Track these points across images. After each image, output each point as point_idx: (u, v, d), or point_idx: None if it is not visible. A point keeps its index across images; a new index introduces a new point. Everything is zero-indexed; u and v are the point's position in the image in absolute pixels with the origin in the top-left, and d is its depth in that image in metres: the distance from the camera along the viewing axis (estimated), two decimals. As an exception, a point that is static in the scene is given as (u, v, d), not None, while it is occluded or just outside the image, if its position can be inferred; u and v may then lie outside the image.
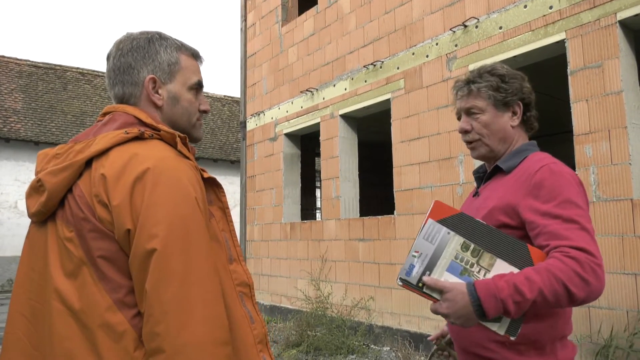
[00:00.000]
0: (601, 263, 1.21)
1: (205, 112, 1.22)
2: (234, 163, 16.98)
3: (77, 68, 17.26)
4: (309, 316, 6.03)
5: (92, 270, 0.96)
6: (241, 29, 9.58)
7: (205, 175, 1.07)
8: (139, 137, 1.03)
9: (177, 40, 1.19)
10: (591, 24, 4.21)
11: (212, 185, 1.09)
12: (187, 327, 0.90)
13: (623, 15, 4.02)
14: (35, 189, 1.04)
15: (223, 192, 1.12)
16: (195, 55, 1.21)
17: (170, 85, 1.15)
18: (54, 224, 1.03)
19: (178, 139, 1.06)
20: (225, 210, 1.11)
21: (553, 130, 8.30)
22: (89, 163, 1.01)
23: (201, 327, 0.91)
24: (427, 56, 5.67)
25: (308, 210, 9.39)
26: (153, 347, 0.90)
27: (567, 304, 1.20)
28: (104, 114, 1.14)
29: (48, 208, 1.03)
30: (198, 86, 1.19)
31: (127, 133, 1.02)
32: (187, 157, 1.06)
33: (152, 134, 1.05)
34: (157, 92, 1.14)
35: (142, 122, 1.08)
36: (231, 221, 1.13)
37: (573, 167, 4.25)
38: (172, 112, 1.16)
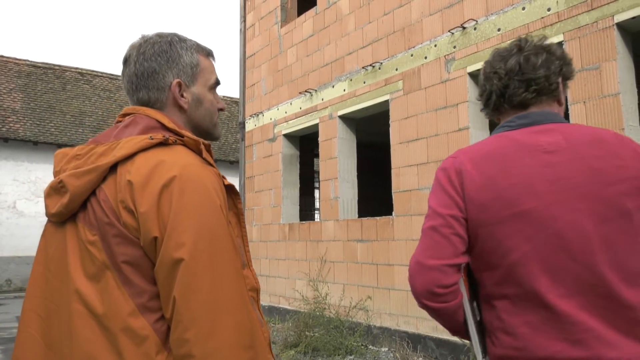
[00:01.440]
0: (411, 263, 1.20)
1: (222, 110, 1.23)
2: (232, 164, 17.00)
3: (76, 68, 17.27)
4: (307, 317, 6.04)
5: (116, 274, 0.97)
6: (240, 30, 9.60)
7: (226, 182, 1.08)
8: (163, 143, 1.03)
9: (194, 41, 1.20)
10: (589, 26, 4.24)
11: (230, 192, 1.10)
12: (215, 333, 0.92)
13: (621, 17, 4.04)
14: (57, 189, 1.04)
15: (239, 198, 1.13)
16: (210, 55, 1.22)
17: (194, 87, 1.15)
18: (75, 225, 1.03)
19: (202, 147, 1.07)
20: (240, 216, 1.13)
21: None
22: (113, 167, 1.02)
23: (229, 333, 0.93)
24: (426, 57, 5.69)
25: (307, 211, 9.41)
26: (182, 353, 0.92)
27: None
28: (124, 115, 1.14)
29: (70, 210, 1.03)
30: (217, 85, 1.21)
31: (152, 139, 1.02)
32: (211, 164, 1.07)
33: (176, 139, 1.05)
34: (182, 96, 1.14)
35: (164, 127, 1.08)
36: (244, 227, 1.14)
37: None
38: (196, 114, 1.16)
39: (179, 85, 1.13)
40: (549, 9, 4.53)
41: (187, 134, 1.08)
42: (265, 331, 1.09)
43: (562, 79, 1.28)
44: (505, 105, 1.29)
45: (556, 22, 4.47)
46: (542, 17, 4.58)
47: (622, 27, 4.09)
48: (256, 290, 1.12)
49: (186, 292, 0.92)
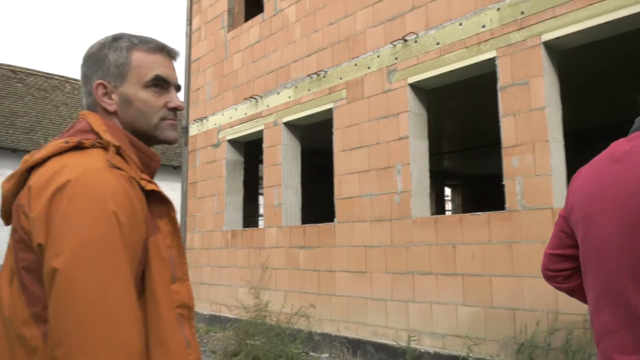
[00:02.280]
0: None
1: (175, 109, 1.14)
2: (176, 169, 16.59)
3: (9, 65, 16.33)
4: (248, 325, 5.97)
5: (18, 280, 0.95)
6: (186, 33, 9.44)
7: (149, 187, 1.00)
8: (78, 147, 0.99)
9: (136, 38, 1.13)
10: (519, 43, 4.49)
11: (156, 199, 1.03)
12: (87, 352, 0.84)
13: (547, 37, 4.31)
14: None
15: (171, 205, 1.06)
16: (158, 49, 1.13)
17: (122, 87, 1.09)
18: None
19: (111, 148, 1.00)
20: (174, 225, 1.05)
21: (487, 142, 8.72)
22: (32, 171, 0.99)
23: (104, 354, 0.84)
24: (369, 68, 5.83)
25: (251, 217, 9.32)
26: None
27: None
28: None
29: (4, 213, 1.04)
30: (158, 81, 1.11)
31: (67, 142, 0.99)
32: (121, 168, 1.00)
33: (94, 142, 1.00)
34: (109, 98, 1.09)
35: (93, 130, 1.05)
36: (179, 237, 1.07)
37: (501, 178, 4.50)
38: (127, 115, 1.10)
39: (101, 86, 1.09)
40: (483, 26, 4.77)
41: (106, 136, 1.03)
42: (192, 354, 1.01)
43: None
44: None
45: (490, 39, 4.71)
46: (477, 34, 4.81)
47: (548, 45, 4.37)
48: (188, 308, 1.04)
49: (59, 304, 0.86)
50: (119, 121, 1.10)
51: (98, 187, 0.92)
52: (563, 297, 3.99)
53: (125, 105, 1.09)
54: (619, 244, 1.11)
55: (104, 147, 1.01)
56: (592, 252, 1.18)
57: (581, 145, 8.77)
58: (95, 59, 1.10)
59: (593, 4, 4.04)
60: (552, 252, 1.42)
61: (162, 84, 1.12)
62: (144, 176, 1.03)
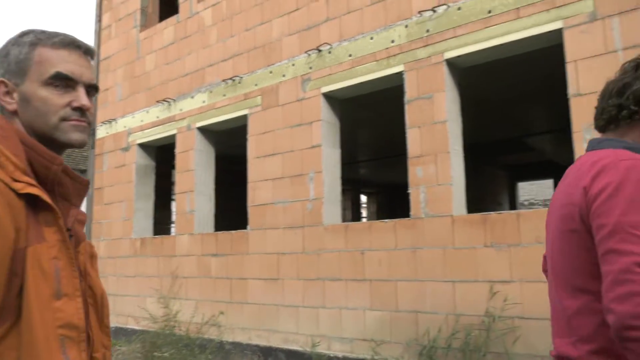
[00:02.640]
0: None
1: (79, 109, 1.02)
2: (83, 172, 15.62)
3: None
4: (156, 336, 5.74)
5: None
6: (95, 30, 8.96)
7: (24, 190, 0.90)
8: None
9: (44, 33, 1.04)
10: (424, 60, 4.75)
11: (39, 205, 0.93)
12: None
13: (449, 55, 4.60)
14: None
15: (57, 212, 0.95)
16: (64, 44, 1.04)
17: (23, 85, 1.01)
18: None
19: None
20: (62, 234, 0.94)
21: (399, 152, 9.09)
22: None
23: None
24: (284, 76, 5.87)
25: (163, 224, 8.99)
26: None
27: None
28: None
29: None
30: (58, 78, 1.01)
31: None
32: None
33: None
34: (10, 97, 1.01)
35: None
36: (70, 248, 0.96)
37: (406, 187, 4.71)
38: (26, 115, 1.00)
39: (2, 85, 1.01)
40: (392, 41, 4.98)
41: None
42: None
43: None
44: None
45: (398, 53, 4.94)
46: (387, 48, 5.02)
47: (450, 63, 4.66)
48: (76, 328, 0.93)
49: None
50: (20, 122, 1.01)
51: None
52: (462, 300, 4.24)
53: (24, 105, 1.01)
54: (554, 252, 1.31)
55: None
56: (548, 255, 1.38)
57: (480, 157, 9.42)
58: (0, 57, 1.03)
59: (489, 27, 4.37)
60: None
61: (66, 81, 1.02)
62: (24, 178, 0.92)
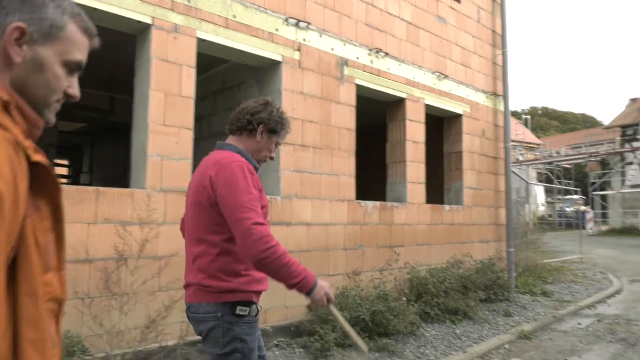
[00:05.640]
0: None
1: (71, 97, 1.00)
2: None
3: None
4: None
5: None
6: None
7: (35, 158, 0.84)
8: None
9: (80, 12, 0.99)
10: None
11: (44, 173, 0.86)
12: None
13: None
14: None
15: (57, 183, 0.89)
16: (89, 33, 1.00)
17: (42, 49, 0.92)
18: None
19: None
20: (56, 206, 0.90)
21: None
22: None
23: None
24: (270, 81, 6.10)
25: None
26: None
27: None
28: None
29: None
30: (76, 66, 0.99)
31: None
32: (6, 128, 0.82)
33: None
34: (19, 48, 0.90)
35: None
36: (61, 220, 0.92)
37: None
38: (29, 78, 0.92)
39: (21, 32, 0.89)
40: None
41: None
42: (57, 354, 0.90)
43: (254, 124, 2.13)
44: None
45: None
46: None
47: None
48: (58, 302, 0.91)
49: None
50: (13, 77, 0.91)
51: None
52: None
53: (35, 68, 0.92)
54: (189, 216, 2.06)
55: None
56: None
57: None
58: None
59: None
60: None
61: (76, 70, 1.00)
62: (27, 143, 0.85)
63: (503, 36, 8.99)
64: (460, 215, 7.74)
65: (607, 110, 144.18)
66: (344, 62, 6.06)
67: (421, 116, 7.15)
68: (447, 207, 7.55)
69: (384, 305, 5.07)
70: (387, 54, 6.57)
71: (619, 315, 6.84)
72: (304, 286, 1.84)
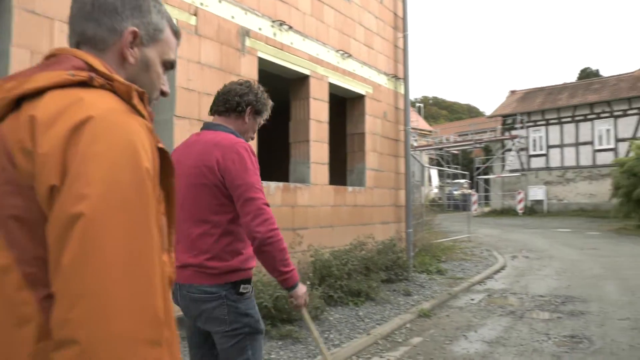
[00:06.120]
0: None
1: (165, 94, 1.08)
2: None
3: None
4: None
5: (2, 233, 0.79)
6: None
7: (160, 145, 0.88)
8: (86, 84, 0.85)
9: (169, 13, 1.09)
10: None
11: (166, 159, 0.89)
12: (110, 316, 0.71)
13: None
14: None
15: (173, 169, 0.92)
16: (177, 35, 1.10)
17: (147, 49, 1.01)
18: None
19: (134, 92, 0.88)
20: (170, 190, 0.93)
21: None
22: (19, 105, 0.83)
23: (129, 319, 0.73)
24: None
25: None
26: (63, 337, 0.71)
27: None
28: (47, 58, 0.93)
29: None
30: (170, 65, 1.07)
31: (73, 75, 0.84)
32: (143, 116, 0.88)
33: (105, 83, 0.86)
34: (132, 48, 0.98)
35: (93, 69, 0.89)
36: (174, 204, 0.95)
37: None
38: (139, 76, 1.00)
39: (134, 35, 0.97)
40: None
41: (119, 78, 0.89)
42: (175, 332, 0.88)
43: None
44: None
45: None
46: (270, 23, 4.88)
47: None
48: (171, 281, 0.92)
49: (79, 257, 0.72)
50: (125, 75, 0.97)
51: (126, 130, 0.80)
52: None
53: (143, 68, 1.01)
54: (186, 198, 1.97)
55: (115, 91, 0.87)
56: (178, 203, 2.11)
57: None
58: (135, 3, 0.99)
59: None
60: None
61: (170, 68, 1.09)
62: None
63: (404, 19, 9.09)
64: (363, 196, 7.73)
65: (489, 101, 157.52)
66: (246, 33, 5.64)
67: (325, 95, 6.97)
68: (350, 188, 7.49)
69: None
70: (290, 27, 6.26)
71: (505, 290, 7.28)
72: (291, 277, 1.95)
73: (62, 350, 0.71)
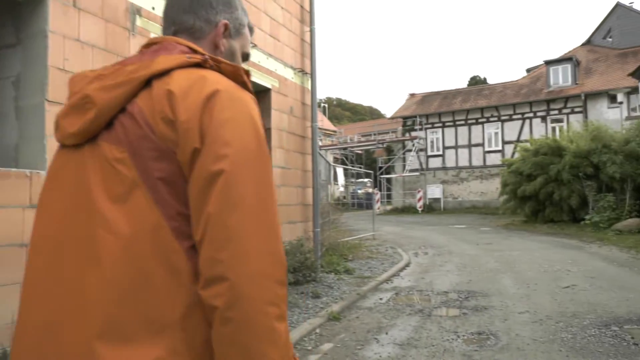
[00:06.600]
0: None
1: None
2: None
3: None
4: None
5: (148, 192, 0.88)
6: None
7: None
8: (199, 64, 0.96)
9: (246, 11, 1.20)
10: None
11: None
12: (253, 257, 0.84)
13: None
14: (79, 106, 0.96)
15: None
16: (251, 29, 1.21)
17: (233, 41, 1.14)
18: (95, 146, 0.94)
19: (242, 71, 1.01)
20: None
21: None
22: (147, 83, 0.94)
23: (267, 261, 0.85)
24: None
25: None
26: (214, 275, 0.83)
27: None
28: (148, 46, 1.05)
29: (96, 126, 0.94)
30: (247, 57, 1.20)
31: (190, 58, 0.96)
32: (250, 91, 1.00)
33: (213, 64, 0.98)
34: (224, 38, 1.12)
35: (198, 54, 1.01)
36: None
37: None
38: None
39: (225, 27, 1.11)
40: None
41: (225, 60, 1.01)
42: None
43: None
44: None
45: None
46: None
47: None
48: None
49: (224, 206, 0.84)
50: None
51: (245, 102, 0.94)
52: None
53: (229, 57, 1.13)
54: None
55: (221, 71, 0.98)
56: None
57: None
58: (226, 2, 1.13)
59: None
60: None
61: (246, 60, 1.20)
62: None
63: (311, 13, 8.83)
64: (269, 195, 7.34)
65: (390, 103, 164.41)
66: (136, 11, 4.99)
67: (228, 86, 6.48)
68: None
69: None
70: (189, 9, 5.69)
71: (412, 287, 7.29)
72: None
73: (214, 285, 0.83)
